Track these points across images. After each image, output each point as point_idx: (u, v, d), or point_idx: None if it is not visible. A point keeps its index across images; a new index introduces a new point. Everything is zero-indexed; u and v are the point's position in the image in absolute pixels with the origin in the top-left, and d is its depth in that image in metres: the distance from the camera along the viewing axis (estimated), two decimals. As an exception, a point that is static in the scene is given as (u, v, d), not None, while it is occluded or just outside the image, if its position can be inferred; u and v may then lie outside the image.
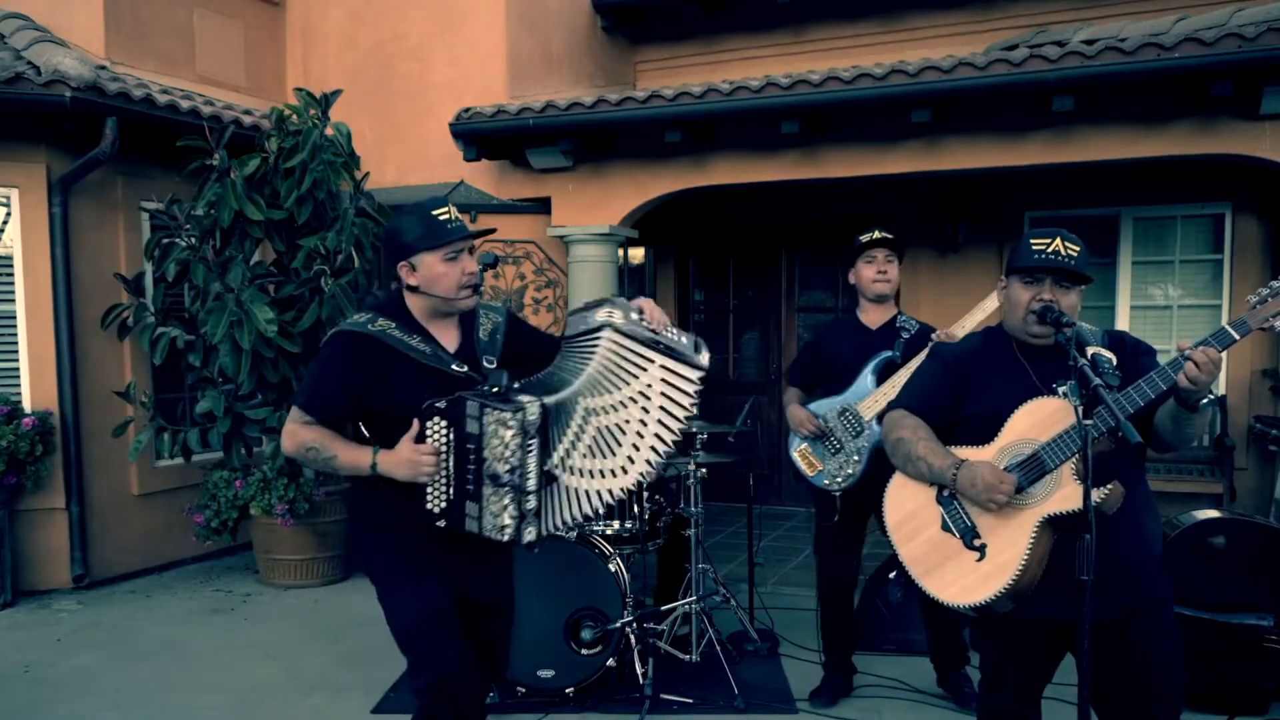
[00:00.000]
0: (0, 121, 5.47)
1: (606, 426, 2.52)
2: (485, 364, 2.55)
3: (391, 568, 2.54)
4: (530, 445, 2.41)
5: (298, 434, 2.50)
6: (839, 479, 3.84)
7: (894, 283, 3.91)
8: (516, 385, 2.50)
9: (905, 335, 3.85)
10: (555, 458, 2.52)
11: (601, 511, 2.53)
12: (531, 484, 2.44)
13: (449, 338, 2.60)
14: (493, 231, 2.78)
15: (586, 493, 2.53)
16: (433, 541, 2.49)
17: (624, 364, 2.53)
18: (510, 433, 2.37)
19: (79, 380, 5.74)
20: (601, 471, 2.52)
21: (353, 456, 2.48)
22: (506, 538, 2.42)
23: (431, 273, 2.51)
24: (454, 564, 2.56)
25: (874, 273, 3.87)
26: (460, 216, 2.60)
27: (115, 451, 5.91)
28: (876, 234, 3.90)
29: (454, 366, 2.52)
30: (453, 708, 2.53)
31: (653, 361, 2.52)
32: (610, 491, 2.52)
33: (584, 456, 2.53)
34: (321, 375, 2.56)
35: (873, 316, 3.95)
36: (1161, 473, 6.39)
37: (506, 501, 2.40)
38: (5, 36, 5.75)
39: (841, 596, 4.00)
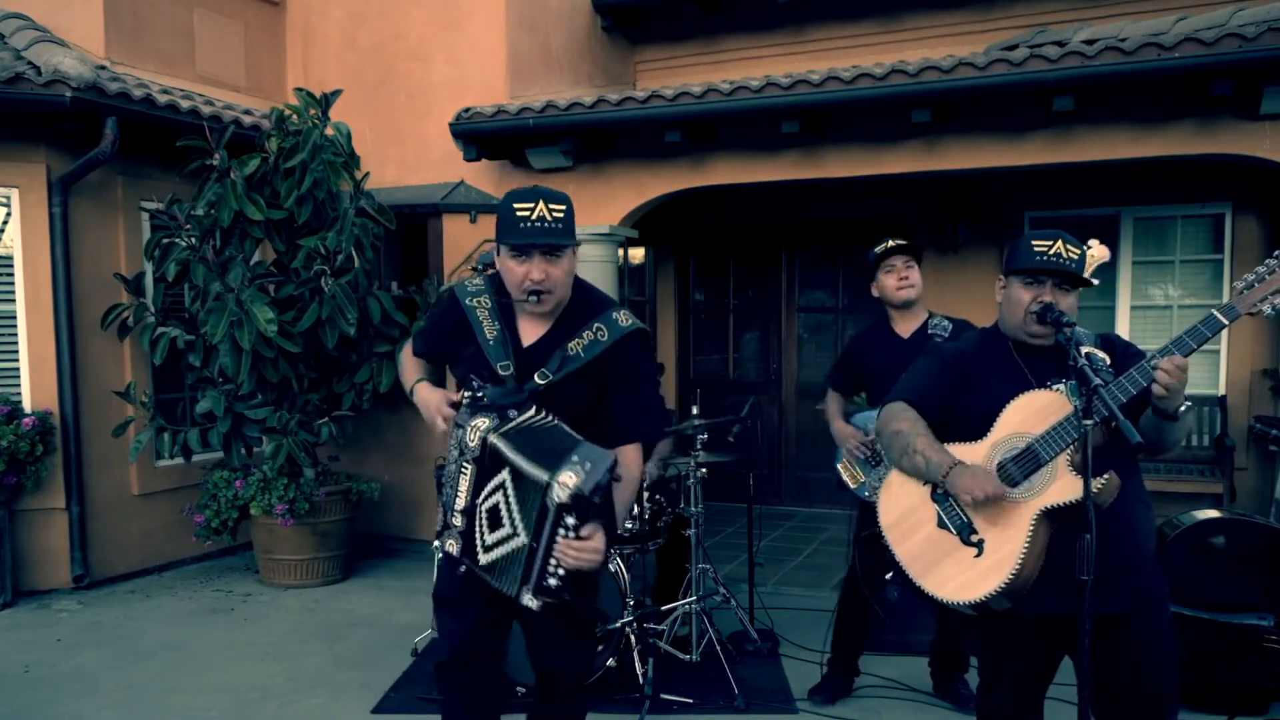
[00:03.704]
0: (0, 121, 5.47)
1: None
2: (537, 378, 2.39)
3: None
4: (464, 468, 2.39)
5: (405, 357, 2.77)
6: (879, 488, 3.83)
7: (918, 287, 3.88)
8: (536, 414, 2.36)
9: (935, 342, 3.83)
10: (479, 501, 2.37)
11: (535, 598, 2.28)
12: (453, 501, 2.43)
13: (534, 330, 2.50)
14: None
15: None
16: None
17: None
18: (452, 444, 2.43)
19: (79, 380, 5.74)
20: (500, 540, 2.34)
21: (409, 376, 2.70)
22: (437, 536, 2.52)
23: (503, 265, 2.45)
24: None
25: (896, 280, 3.86)
26: (554, 212, 2.37)
27: (115, 451, 5.91)
28: (891, 243, 3.88)
29: (500, 365, 2.43)
30: (456, 677, 2.60)
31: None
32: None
33: (488, 527, 2.37)
34: (428, 318, 2.78)
35: (903, 325, 3.94)
36: (1161, 473, 6.38)
37: (439, 507, 2.49)
38: (5, 36, 5.75)
39: (867, 603, 3.99)
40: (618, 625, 3.95)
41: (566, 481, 2.19)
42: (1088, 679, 2.17)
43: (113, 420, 5.75)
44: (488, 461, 2.34)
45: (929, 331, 3.87)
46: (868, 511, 3.88)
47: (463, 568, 2.47)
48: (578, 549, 2.22)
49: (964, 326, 3.89)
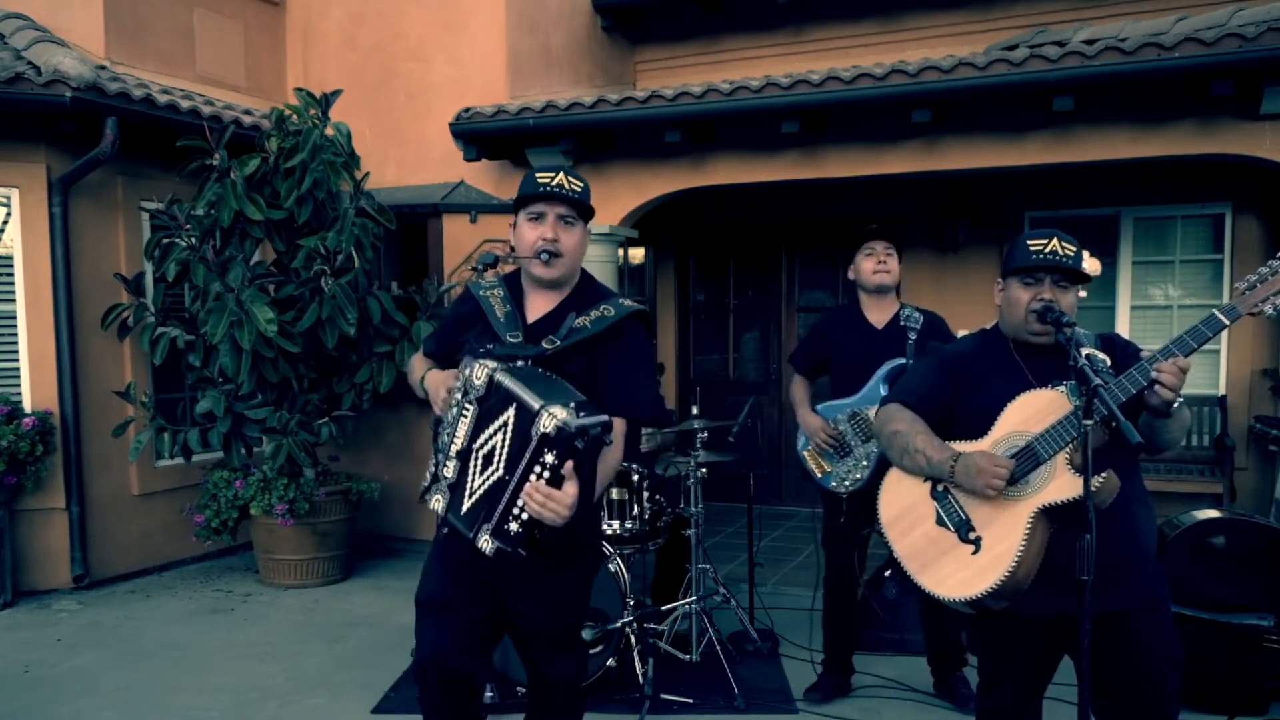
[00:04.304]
0: (0, 121, 5.47)
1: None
2: (545, 343, 2.40)
3: (431, 550, 2.61)
4: (465, 408, 2.30)
5: (415, 360, 2.75)
6: (846, 482, 3.87)
7: (894, 275, 3.91)
8: (541, 371, 2.35)
9: (912, 336, 3.84)
10: (476, 444, 2.29)
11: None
12: (448, 446, 2.32)
13: (539, 307, 2.52)
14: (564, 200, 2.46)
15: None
16: (456, 539, 2.44)
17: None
18: (457, 384, 2.34)
19: (79, 380, 5.74)
20: (486, 480, 2.27)
21: (417, 374, 2.64)
22: (422, 495, 2.40)
23: (519, 231, 2.49)
24: (477, 567, 2.42)
25: (874, 264, 3.89)
26: (573, 183, 2.46)
27: (115, 451, 5.91)
28: (874, 227, 3.93)
29: (509, 335, 2.45)
30: (432, 692, 2.53)
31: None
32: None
33: (480, 471, 2.29)
34: (442, 319, 2.75)
35: (876, 314, 3.95)
36: (1161, 473, 6.39)
37: (433, 454, 2.38)
38: (5, 36, 5.75)
39: (846, 595, 4.01)
40: (618, 625, 3.95)
41: (556, 413, 2.11)
42: (1088, 679, 2.17)
43: (113, 420, 5.75)
44: (492, 400, 2.26)
45: (901, 323, 3.89)
46: (833, 501, 3.93)
47: (445, 529, 2.39)
48: (546, 494, 2.12)
49: (934, 319, 3.92)
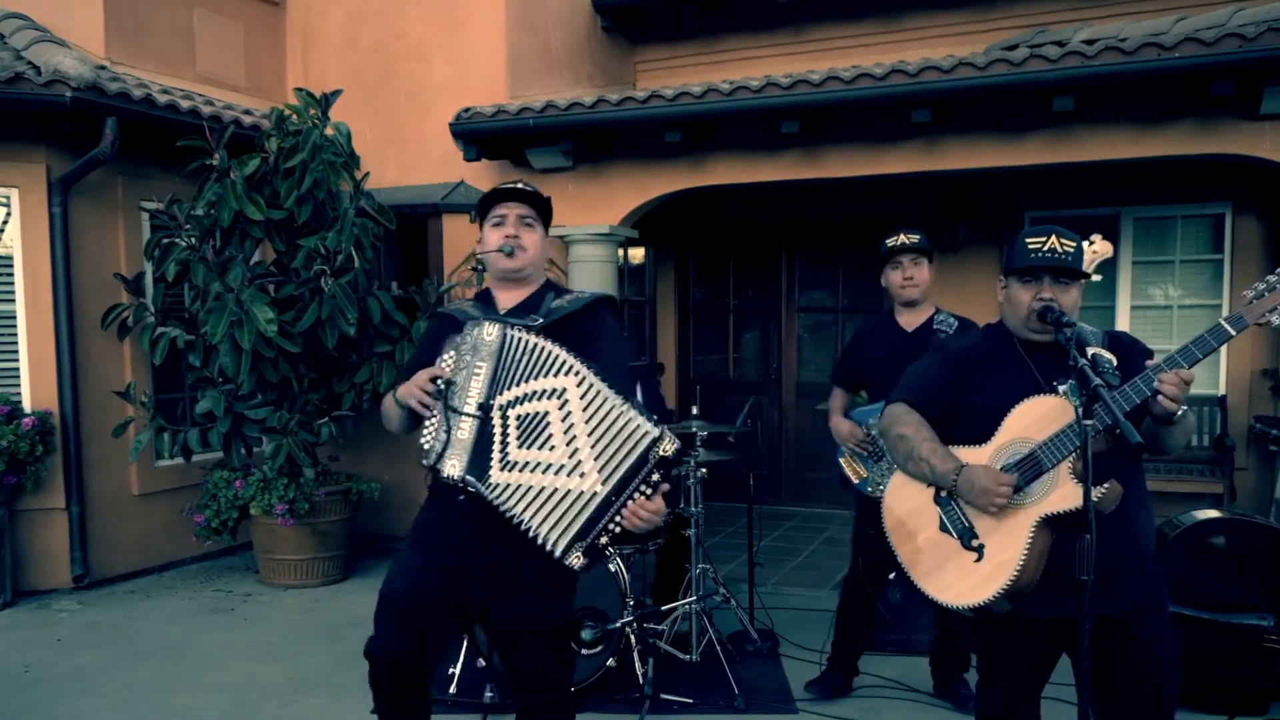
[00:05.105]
0: (0, 121, 5.47)
1: (531, 413, 2.32)
2: (528, 320, 2.48)
3: (409, 538, 2.63)
4: (478, 367, 2.33)
5: (387, 398, 2.68)
6: (882, 486, 3.83)
7: (922, 286, 3.90)
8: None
9: (943, 338, 3.83)
10: (498, 400, 2.32)
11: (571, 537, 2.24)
12: (461, 404, 2.32)
13: (509, 300, 2.62)
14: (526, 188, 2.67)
15: (540, 493, 2.28)
16: (441, 526, 2.49)
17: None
18: (466, 347, 2.38)
19: (79, 380, 5.74)
20: (541, 465, 2.28)
21: (388, 400, 2.62)
22: (427, 461, 2.36)
23: (484, 239, 2.65)
24: (462, 557, 2.44)
25: (900, 278, 3.89)
26: (530, 187, 2.64)
27: (115, 451, 5.91)
28: (903, 238, 3.90)
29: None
30: (382, 686, 2.52)
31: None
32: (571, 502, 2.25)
33: (516, 438, 2.30)
34: (413, 355, 2.82)
35: (908, 319, 3.95)
36: (1161, 473, 6.39)
37: (442, 418, 2.36)
38: (5, 36, 5.75)
39: (867, 600, 4.00)
40: (618, 625, 3.95)
41: (671, 437, 2.19)
42: (1088, 679, 2.17)
43: (113, 420, 5.75)
44: (516, 353, 2.32)
45: (935, 327, 3.87)
46: (870, 507, 3.89)
47: (461, 496, 2.37)
48: (652, 510, 2.22)
49: (968, 325, 3.89)
